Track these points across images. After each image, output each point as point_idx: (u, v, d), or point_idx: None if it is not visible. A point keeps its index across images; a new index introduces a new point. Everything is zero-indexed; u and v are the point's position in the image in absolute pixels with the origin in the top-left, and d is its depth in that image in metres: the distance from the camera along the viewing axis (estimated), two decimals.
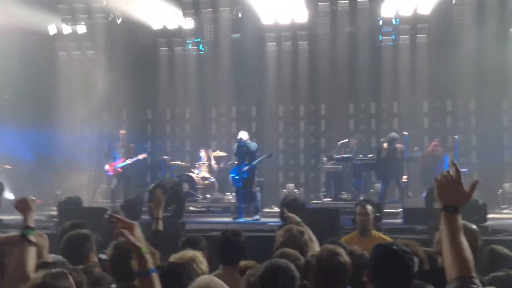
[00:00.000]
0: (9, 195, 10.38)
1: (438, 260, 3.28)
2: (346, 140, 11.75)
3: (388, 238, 5.21)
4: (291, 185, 12.39)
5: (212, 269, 3.65)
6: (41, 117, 13.04)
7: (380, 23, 12.71)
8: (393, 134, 10.53)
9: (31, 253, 2.40)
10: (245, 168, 9.47)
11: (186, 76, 13.59)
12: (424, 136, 12.73)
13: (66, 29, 13.45)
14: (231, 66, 13.14)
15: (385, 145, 10.41)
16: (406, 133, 10.78)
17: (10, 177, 11.37)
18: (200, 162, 12.15)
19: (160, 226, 4.31)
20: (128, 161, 11.25)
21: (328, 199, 11.58)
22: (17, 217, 2.56)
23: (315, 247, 3.78)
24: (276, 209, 10.13)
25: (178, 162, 12.41)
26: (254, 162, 9.56)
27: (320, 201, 11.55)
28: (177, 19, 13.16)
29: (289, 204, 7.13)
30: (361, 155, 11.18)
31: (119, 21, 13.37)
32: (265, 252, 3.53)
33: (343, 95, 13.13)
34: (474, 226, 3.53)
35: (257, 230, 7.38)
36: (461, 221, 1.99)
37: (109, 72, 12.64)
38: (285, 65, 13.19)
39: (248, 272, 2.92)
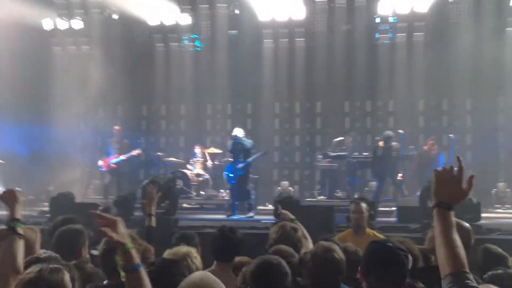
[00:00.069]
0: (0, 190, 10.30)
1: (432, 258, 3.27)
2: (342, 138, 11.75)
3: (382, 236, 5.19)
4: (285, 183, 12.37)
5: (205, 265, 3.63)
6: (36, 112, 12.96)
7: (377, 21, 12.71)
8: (389, 132, 10.54)
9: (20, 246, 2.37)
10: (240, 165, 9.45)
11: (182, 72, 13.53)
12: (419, 134, 12.75)
13: (62, 24, 13.38)
14: (228, 62, 13.10)
15: (381, 143, 10.41)
16: (402, 132, 10.79)
17: (2, 172, 11.31)
18: (194, 159, 12.11)
19: (153, 222, 4.30)
20: (122, 157, 11.20)
21: (322, 197, 11.59)
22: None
23: (309, 244, 3.78)
24: (270, 207, 10.12)
25: (173, 159, 12.37)
26: (249, 159, 9.54)
27: (314, 199, 11.55)
28: (173, 15, 13.11)
29: (284, 202, 7.12)
30: (356, 153, 11.18)
31: (115, 17, 13.30)
32: (259, 249, 3.52)
33: (339, 93, 13.12)
34: (467, 225, 3.52)
35: (251, 227, 7.37)
36: (454, 218, 1.99)
37: (104, 67, 12.57)
38: (282, 62, 13.18)
39: (244, 269, 2.91)
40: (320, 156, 11.81)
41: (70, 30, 13.45)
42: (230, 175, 9.58)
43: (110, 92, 12.79)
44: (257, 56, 13.11)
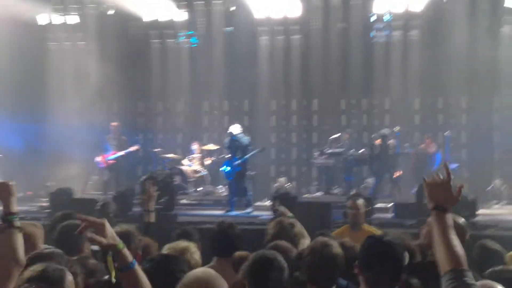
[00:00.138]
0: None
1: (428, 253, 3.31)
2: (338, 135, 11.79)
3: (379, 232, 5.24)
4: (283, 179, 12.41)
5: (205, 261, 3.66)
6: (32, 108, 12.92)
7: (373, 19, 12.73)
8: (385, 130, 10.54)
9: (19, 239, 2.33)
10: (237, 161, 9.48)
11: (178, 69, 13.52)
12: (415, 132, 12.81)
13: (57, 19, 13.31)
14: (224, 59, 13.10)
15: (377, 141, 10.43)
16: (397, 129, 10.84)
17: (0, 169, 11.28)
18: (192, 155, 12.12)
19: (152, 218, 4.33)
20: (121, 153, 11.20)
21: (319, 193, 11.64)
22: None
23: (306, 242, 3.80)
24: (268, 203, 10.15)
25: (171, 155, 12.38)
26: (247, 156, 9.56)
27: (311, 195, 11.60)
28: (169, 11, 13.08)
29: (281, 198, 7.15)
30: (352, 150, 11.22)
31: (110, 12, 13.25)
32: (256, 245, 3.55)
33: (335, 91, 13.15)
34: (462, 220, 3.56)
35: (249, 223, 7.40)
36: (451, 219, 2.07)
37: (100, 63, 12.53)
38: (278, 59, 13.18)
39: (245, 264, 2.94)
40: (317, 153, 11.86)
41: (66, 25, 13.39)
42: (228, 171, 9.60)
43: (106, 88, 12.75)
44: (253, 53, 13.11)
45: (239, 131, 9.68)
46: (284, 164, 13.51)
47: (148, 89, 13.76)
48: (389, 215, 8.78)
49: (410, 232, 5.36)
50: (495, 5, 12.00)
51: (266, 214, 8.08)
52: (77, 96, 12.86)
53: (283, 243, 3.35)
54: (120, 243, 2.07)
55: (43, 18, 13.25)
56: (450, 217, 2.06)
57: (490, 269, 3.29)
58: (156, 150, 12.41)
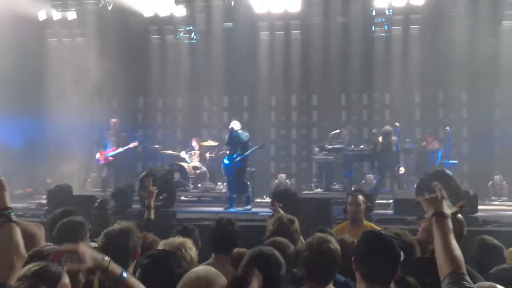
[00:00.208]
0: None
1: (429, 247, 3.29)
2: (338, 130, 11.75)
3: (379, 228, 5.22)
4: (282, 176, 12.40)
5: (204, 258, 3.64)
6: (31, 105, 12.89)
7: (373, 13, 12.68)
8: (388, 127, 10.43)
9: (18, 232, 2.34)
10: (237, 158, 9.45)
11: (178, 65, 13.48)
12: (415, 127, 12.79)
13: (56, 15, 13.26)
14: (223, 55, 13.06)
15: (380, 138, 10.36)
16: (398, 124, 10.80)
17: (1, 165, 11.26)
18: (191, 152, 12.10)
19: (152, 215, 4.31)
20: (120, 150, 11.18)
21: (319, 189, 11.62)
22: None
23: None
24: (268, 199, 10.15)
25: (170, 152, 12.37)
26: (246, 153, 9.54)
27: (311, 192, 11.58)
28: (168, 7, 13.03)
29: (281, 194, 7.14)
30: (352, 146, 11.20)
31: (110, 8, 13.20)
32: (256, 242, 3.53)
33: (335, 86, 13.12)
34: (460, 216, 3.54)
35: (248, 219, 7.38)
36: (451, 224, 2.14)
37: (99, 59, 12.49)
38: (278, 54, 13.15)
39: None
40: (317, 149, 11.83)
41: (65, 21, 13.34)
42: (228, 167, 9.58)
43: (106, 84, 12.73)
44: (253, 48, 13.08)
45: (239, 127, 9.66)
46: (283, 160, 13.49)
47: (148, 85, 13.73)
48: (389, 211, 8.77)
49: (411, 228, 5.35)
50: None
51: (266, 211, 8.06)
52: (77, 93, 12.83)
53: (281, 239, 3.35)
54: (104, 260, 1.99)
55: (43, 14, 13.19)
56: (450, 222, 2.12)
57: (495, 268, 3.27)
58: (155, 146, 12.40)
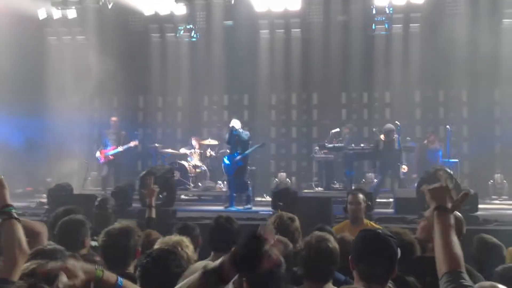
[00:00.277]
0: None
1: (429, 246, 3.29)
2: (338, 129, 11.74)
3: (379, 227, 5.22)
4: (283, 174, 12.39)
5: (204, 256, 3.64)
6: (31, 103, 12.88)
7: (373, 11, 12.66)
8: (390, 125, 10.38)
9: (20, 228, 2.38)
10: (238, 157, 9.44)
11: (178, 63, 13.47)
12: (416, 126, 12.78)
13: (56, 13, 13.25)
14: (224, 53, 13.05)
15: (382, 137, 10.34)
16: (398, 123, 10.78)
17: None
18: (191, 150, 12.10)
19: (153, 213, 4.31)
20: (120, 149, 11.17)
21: (319, 188, 11.61)
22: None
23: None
24: (268, 198, 10.14)
25: (170, 150, 12.36)
26: (247, 152, 9.53)
27: (311, 190, 11.58)
28: (169, 5, 13.01)
29: (281, 193, 7.14)
30: (353, 145, 11.19)
31: (110, 6, 13.18)
32: None
33: (335, 84, 13.10)
34: (459, 214, 3.55)
35: (248, 218, 7.38)
36: (452, 219, 2.07)
37: (99, 58, 12.48)
38: (278, 53, 13.14)
39: None
40: (317, 148, 11.82)
41: (65, 19, 13.32)
42: (229, 166, 9.56)
43: (106, 82, 12.71)
44: (253, 47, 13.07)
45: (239, 126, 9.65)
46: (284, 159, 13.49)
47: (148, 84, 13.72)
48: (390, 210, 8.77)
49: (411, 227, 5.36)
50: None
51: (266, 210, 8.06)
52: (77, 91, 12.82)
53: (279, 238, 3.33)
54: (97, 271, 1.97)
55: (43, 12, 13.18)
56: (451, 218, 2.06)
57: (502, 266, 3.28)
58: (155, 145, 12.39)
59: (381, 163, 10.31)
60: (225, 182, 10.97)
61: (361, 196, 5.45)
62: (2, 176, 2.45)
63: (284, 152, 13.57)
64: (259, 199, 10.81)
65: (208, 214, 7.66)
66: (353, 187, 9.37)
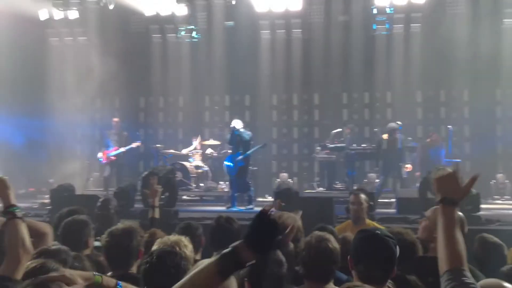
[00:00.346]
0: None
1: (431, 246, 3.29)
2: (340, 129, 11.75)
3: (382, 227, 5.21)
4: (284, 175, 12.39)
5: (208, 257, 3.64)
6: (33, 104, 12.91)
7: (374, 11, 12.66)
8: (393, 124, 10.37)
9: (24, 228, 2.42)
10: (240, 157, 9.44)
11: (179, 64, 13.49)
12: (417, 126, 12.77)
13: (58, 14, 13.27)
14: (225, 54, 13.06)
15: (385, 136, 10.32)
16: (400, 123, 10.78)
17: (1, 165, 11.28)
18: (193, 151, 12.11)
19: (157, 213, 4.32)
20: (122, 149, 11.19)
21: (321, 188, 11.61)
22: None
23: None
24: (270, 199, 10.14)
25: (172, 151, 12.37)
26: (249, 152, 9.52)
27: (313, 191, 11.58)
28: (170, 6, 13.03)
29: (283, 193, 7.14)
30: (354, 145, 11.19)
31: (111, 7, 13.20)
32: None
33: (336, 84, 13.11)
34: (460, 214, 3.55)
35: (250, 219, 7.34)
36: (457, 214, 1.98)
37: (101, 58, 12.50)
38: (279, 53, 13.15)
39: None
40: (319, 148, 11.82)
41: (66, 20, 13.34)
42: (231, 166, 9.56)
43: (107, 83, 12.73)
44: (254, 47, 13.08)
45: (240, 126, 9.64)
46: (285, 160, 13.49)
47: (149, 84, 13.73)
48: (392, 210, 8.76)
49: (414, 227, 5.36)
50: None
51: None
52: (78, 92, 12.85)
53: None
54: (96, 277, 1.99)
55: (44, 13, 13.20)
56: (456, 212, 1.98)
57: (505, 266, 3.27)
58: (157, 145, 12.41)
59: (383, 163, 10.30)
60: (227, 183, 10.97)
61: (363, 196, 5.44)
62: (7, 177, 2.48)
63: (286, 152, 13.57)
64: (260, 199, 10.81)
65: (210, 215, 7.65)
66: (354, 187, 9.37)
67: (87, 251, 3.48)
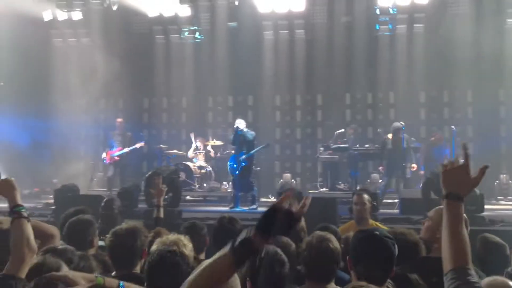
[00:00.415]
0: None
1: (434, 246, 3.29)
2: (343, 130, 11.75)
3: (385, 227, 5.22)
4: (287, 175, 12.39)
5: (210, 256, 3.65)
6: (37, 105, 12.96)
7: (377, 12, 12.66)
8: (397, 124, 10.34)
9: (29, 227, 2.45)
10: (243, 157, 9.44)
11: (183, 65, 13.51)
12: (420, 126, 12.75)
13: (61, 15, 13.32)
14: (228, 54, 13.08)
15: (389, 136, 10.30)
16: (403, 124, 10.76)
17: (6, 165, 11.32)
18: (197, 151, 12.13)
19: (161, 213, 4.33)
20: (126, 150, 11.22)
21: (324, 189, 11.61)
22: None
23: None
24: (273, 199, 10.15)
25: (175, 151, 12.39)
26: (252, 152, 9.53)
27: (316, 191, 11.58)
28: (173, 7, 13.06)
29: None
30: (357, 145, 11.19)
31: (114, 8, 13.23)
32: None
33: (339, 85, 13.11)
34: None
35: (253, 219, 7.38)
36: (463, 211, 1.90)
37: (105, 59, 12.54)
38: (282, 54, 13.16)
39: None
40: (322, 149, 11.82)
41: (70, 21, 13.39)
42: (234, 166, 9.57)
43: (111, 84, 12.77)
44: (257, 48, 13.09)
45: (244, 126, 9.65)
46: (288, 160, 13.50)
47: (153, 85, 13.77)
48: (395, 211, 8.75)
49: (417, 228, 5.35)
50: None
51: None
52: (82, 93, 12.89)
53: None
54: (98, 278, 1.97)
55: (48, 14, 13.25)
56: (462, 208, 1.89)
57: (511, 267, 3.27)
58: (160, 146, 12.44)
59: (387, 163, 10.28)
60: (230, 183, 10.99)
61: (366, 196, 5.44)
62: (14, 178, 2.52)
63: (289, 153, 13.58)
64: (264, 199, 10.82)
65: (213, 215, 7.67)
66: (358, 188, 9.36)
67: (92, 251, 3.50)
